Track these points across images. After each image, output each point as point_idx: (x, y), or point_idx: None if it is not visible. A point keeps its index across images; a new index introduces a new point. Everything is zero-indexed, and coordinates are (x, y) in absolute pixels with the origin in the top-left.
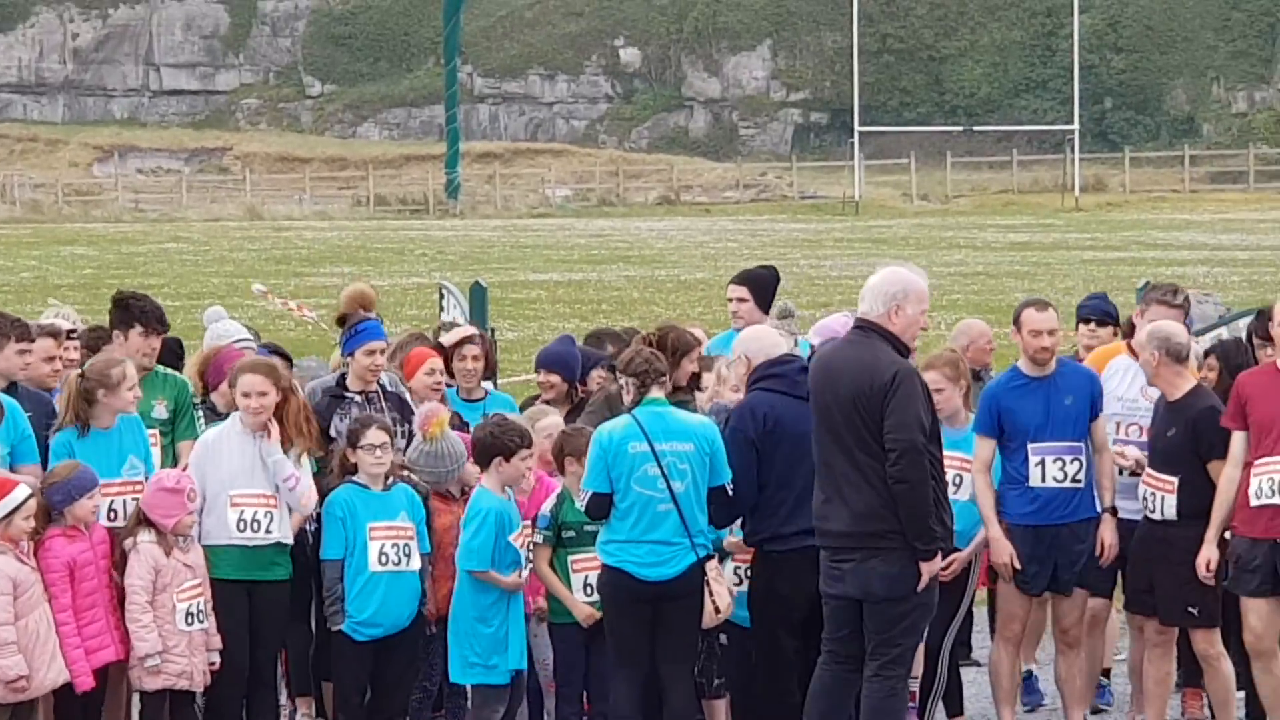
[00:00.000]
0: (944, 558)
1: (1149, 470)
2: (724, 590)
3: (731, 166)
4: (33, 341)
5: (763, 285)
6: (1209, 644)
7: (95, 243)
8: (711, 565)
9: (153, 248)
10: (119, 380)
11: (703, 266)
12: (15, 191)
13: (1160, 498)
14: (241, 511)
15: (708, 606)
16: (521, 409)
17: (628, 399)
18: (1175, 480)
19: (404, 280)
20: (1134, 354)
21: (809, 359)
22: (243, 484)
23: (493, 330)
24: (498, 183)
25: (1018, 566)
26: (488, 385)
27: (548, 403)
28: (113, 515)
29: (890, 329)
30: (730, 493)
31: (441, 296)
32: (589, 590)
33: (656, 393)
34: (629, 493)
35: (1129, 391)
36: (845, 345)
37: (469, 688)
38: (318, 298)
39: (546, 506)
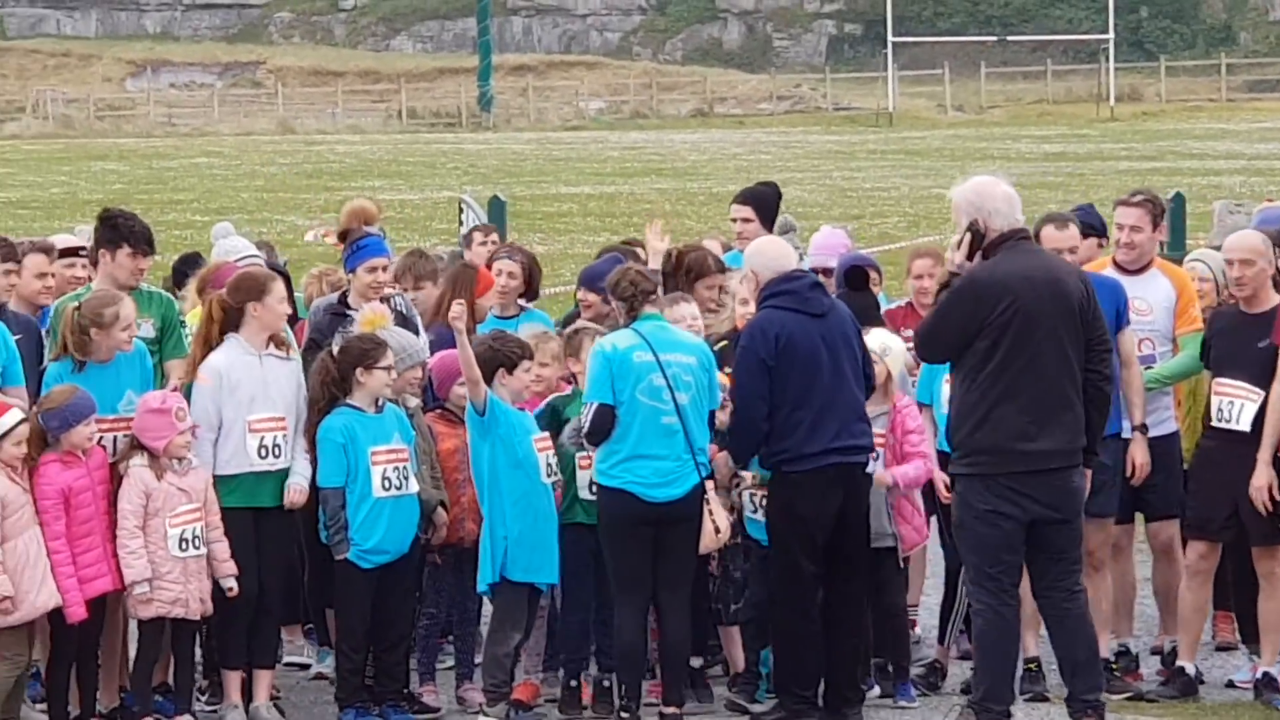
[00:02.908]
0: None
1: (1222, 380)
2: (723, 512)
3: (765, 78)
4: (19, 261)
5: (767, 203)
6: (1275, 562)
7: (126, 158)
8: (710, 485)
9: (183, 162)
10: (111, 321)
11: (736, 179)
12: (48, 106)
13: (1240, 406)
14: (261, 438)
15: (707, 527)
16: (564, 324)
17: (621, 320)
18: (1262, 392)
19: (435, 194)
20: (1118, 267)
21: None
22: (259, 409)
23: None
24: (531, 96)
25: None
26: (523, 303)
27: (591, 319)
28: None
29: None
30: (730, 417)
31: (461, 210)
32: (594, 489)
33: (649, 309)
34: (634, 404)
35: None
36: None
37: (488, 602)
38: None
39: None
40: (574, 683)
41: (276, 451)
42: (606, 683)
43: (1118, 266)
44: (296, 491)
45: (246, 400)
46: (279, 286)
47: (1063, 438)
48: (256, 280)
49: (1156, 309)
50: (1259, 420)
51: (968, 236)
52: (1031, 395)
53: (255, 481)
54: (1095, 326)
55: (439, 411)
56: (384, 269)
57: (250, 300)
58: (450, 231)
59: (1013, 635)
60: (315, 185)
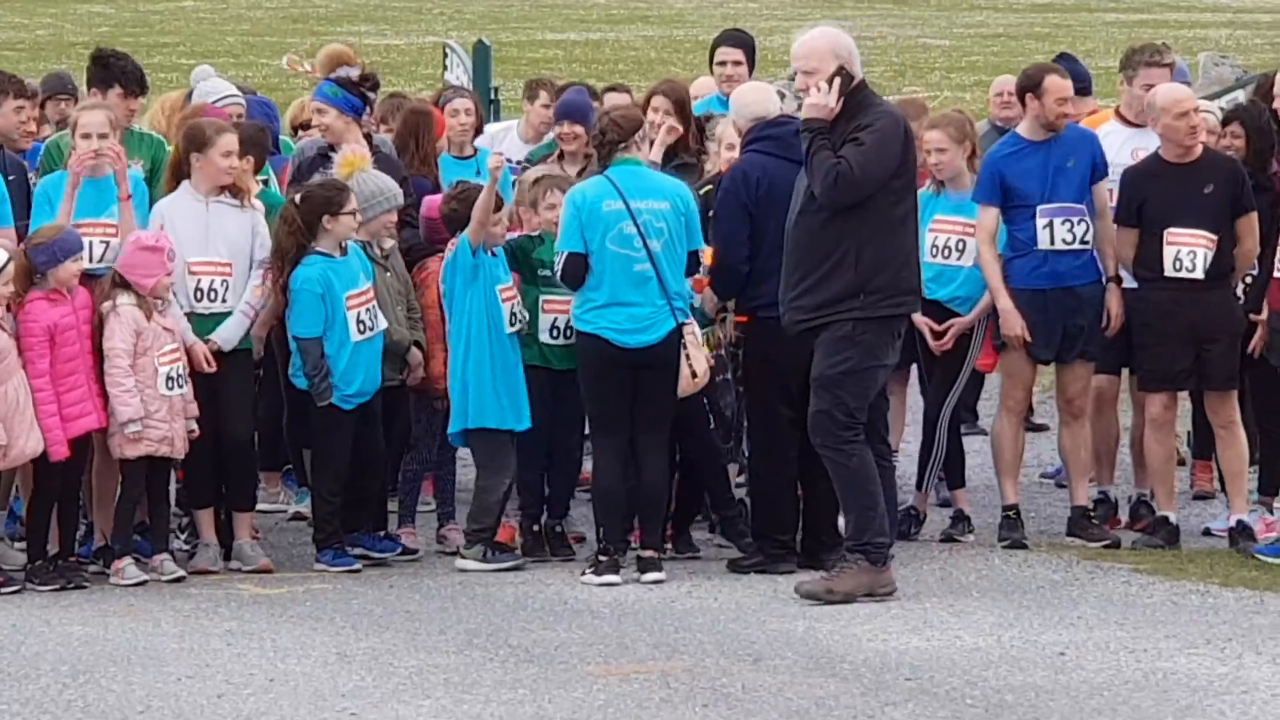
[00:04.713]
0: None
1: (1176, 230)
2: (701, 356)
3: None
4: (30, 99)
5: (754, 47)
6: (1232, 410)
7: (112, 0)
8: (688, 330)
9: (169, 6)
10: (74, 123)
11: (722, 26)
12: None
13: (1199, 254)
14: (199, 280)
15: (684, 371)
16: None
17: (598, 164)
18: (1216, 237)
19: (420, 39)
20: (1123, 120)
21: None
22: (198, 251)
23: (496, 89)
24: None
25: (1028, 339)
26: (477, 143)
27: (572, 153)
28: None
29: None
30: (711, 259)
31: (445, 56)
32: (555, 334)
33: (628, 153)
34: (604, 253)
35: (1119, 156)
36: None
37: (474, 449)
38: None
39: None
40: (535, 527)
41: (213, 296)
42: (559, 529)
43: (1122, 119)
44: (215, 342)
45: (185, 243)
46: (226, 140)
47: None
48: (201, 132)
49: None
50: (1213, 266)
51: (837, 81)
52: (915, 239)
53: (195, 324)
54: None
55: (440, 256)
56: (320, 111)
57: (193, 150)
58: (434, 77)
59: (875, 473)
60: (301, 30)
